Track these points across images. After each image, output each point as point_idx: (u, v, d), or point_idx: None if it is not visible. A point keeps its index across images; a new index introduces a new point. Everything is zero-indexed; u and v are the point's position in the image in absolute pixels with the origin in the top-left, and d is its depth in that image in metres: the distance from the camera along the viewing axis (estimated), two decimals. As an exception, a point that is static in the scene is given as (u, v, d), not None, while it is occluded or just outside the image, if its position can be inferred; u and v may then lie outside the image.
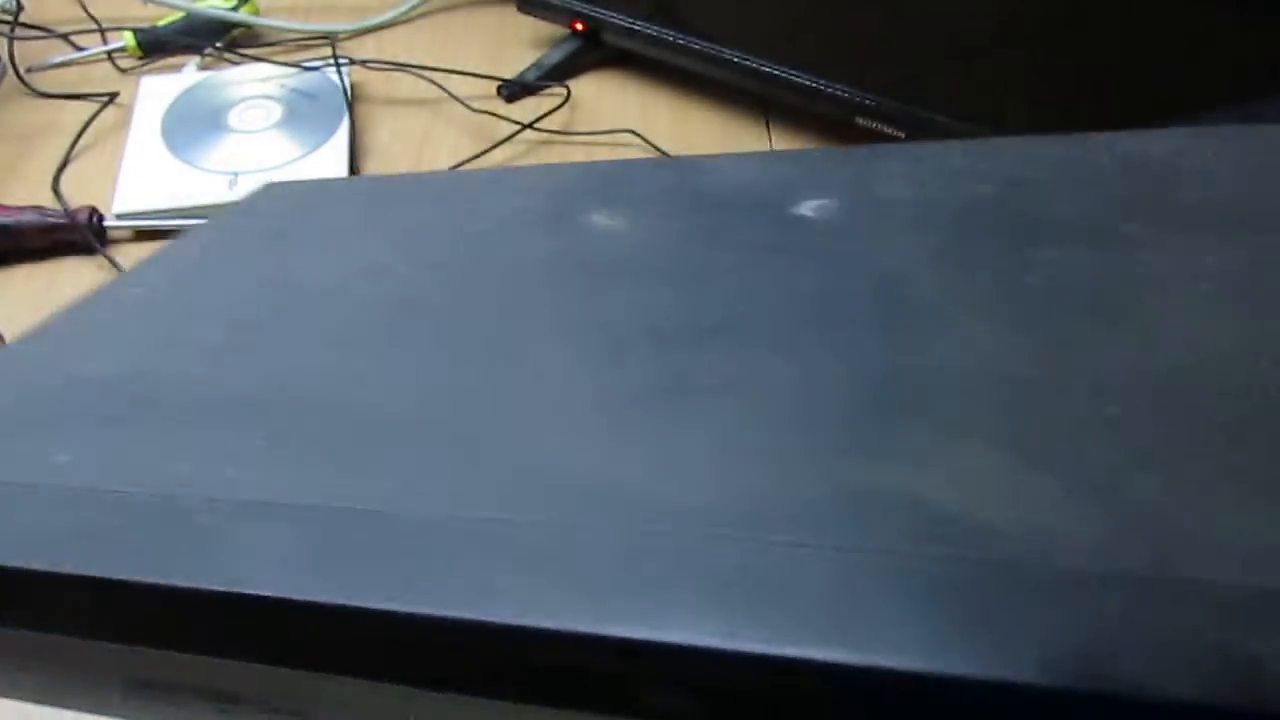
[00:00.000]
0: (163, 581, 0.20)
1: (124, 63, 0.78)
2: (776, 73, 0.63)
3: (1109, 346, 0.22)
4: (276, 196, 0.37)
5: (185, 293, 0.32)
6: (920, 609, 0.17)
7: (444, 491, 0.22)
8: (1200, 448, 0.20)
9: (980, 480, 0.20)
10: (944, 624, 0.17)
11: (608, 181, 0.33)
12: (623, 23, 0.70)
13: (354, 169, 0.68)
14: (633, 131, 0.69)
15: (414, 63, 0.75)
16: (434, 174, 0.38)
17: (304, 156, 0.68)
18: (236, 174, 0.67)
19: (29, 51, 0.78)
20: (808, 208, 0.29)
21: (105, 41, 0.79)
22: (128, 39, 0.78)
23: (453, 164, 0.68)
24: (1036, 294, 0.24)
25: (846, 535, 0.19)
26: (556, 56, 0.74)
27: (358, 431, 0.24)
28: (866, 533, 0.19)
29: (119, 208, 0.64)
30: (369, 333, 0.28)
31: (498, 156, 0.69)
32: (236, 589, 0.20)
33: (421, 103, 0.73)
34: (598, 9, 0.70)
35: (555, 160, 0.68)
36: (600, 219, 0.31)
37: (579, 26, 0.72)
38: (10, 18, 0.78)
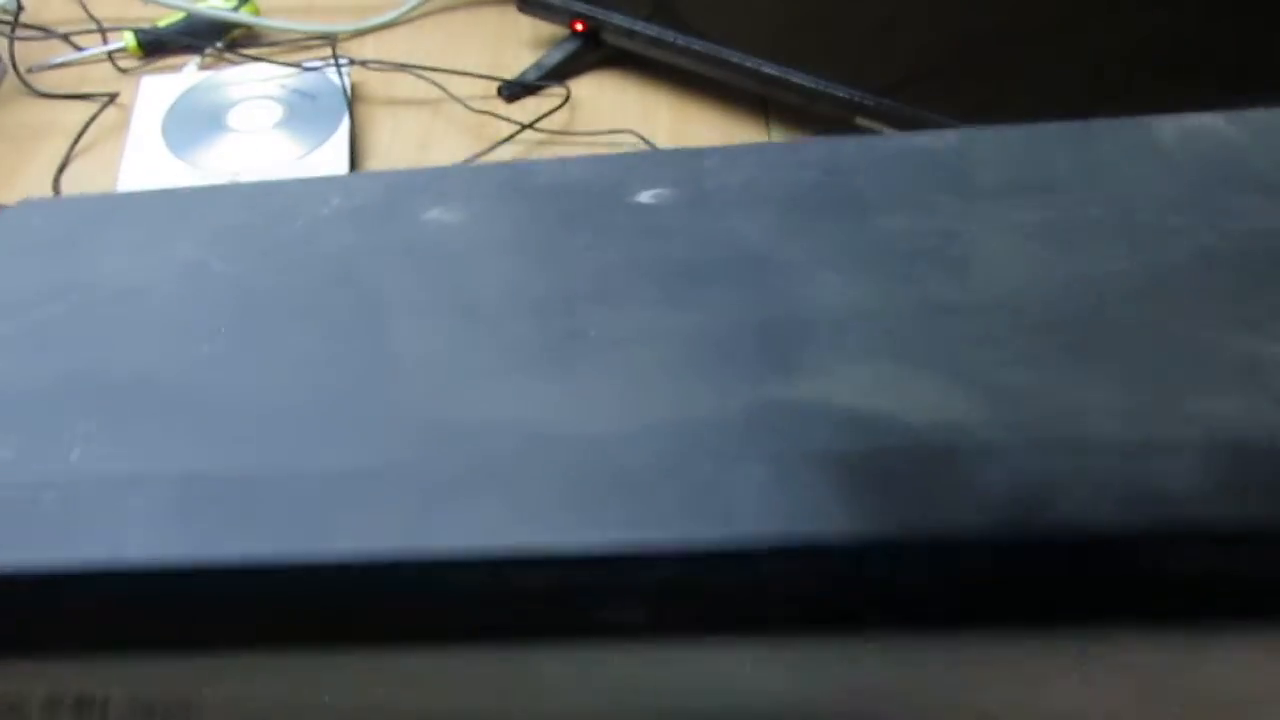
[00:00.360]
0: (14, 569, 0.18)
1: (124, 63, 0.78)
2: (776, 73, 0.63)
3: (951, 283, 0.26)
4: (37, 211, 0.35)
5: None
6: (861, 490, 0.19)
7: (335, 447, 0.21)
8: (1051, 348, 0.23)
9: (877, 386, 0.22)
10: (888, 498, 0.19)
11: (438, 182, 0.33)
12: (623, 23, 0.69)
13: (354, 169, 0.68)
14: (633, 131, 0.69)
15: (414, 63, 0.75)
16: (233, 184, 0.37)
17: (304, 156, 0.68)
18: (237, 174, 0.67)
19: (29, 51, 0.78)
20: (646, 196, 0.30)
21: (105, 41, 0.79)
22: (128, 39, 0.78)
23: (453, 164, 0.68)
24: (879, 250, 0.27)
25: (769, 441, 0.21)
26: (556, 56, 0.74)
27: (223, 407, 0.23)
28: (787, 437, 0.21)
29: (119, 208, 0.64)
30: (202, 321, 0.27)
31: (498, 156, 0.69)
32: (109, 564, 0.18)
33: (421, 103, 0.74)
34: (598, 9, 0.70)
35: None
36: (437, 214, 0.31)
37: (579, 26, 0.72)
38: (10, 18, 0.78)
